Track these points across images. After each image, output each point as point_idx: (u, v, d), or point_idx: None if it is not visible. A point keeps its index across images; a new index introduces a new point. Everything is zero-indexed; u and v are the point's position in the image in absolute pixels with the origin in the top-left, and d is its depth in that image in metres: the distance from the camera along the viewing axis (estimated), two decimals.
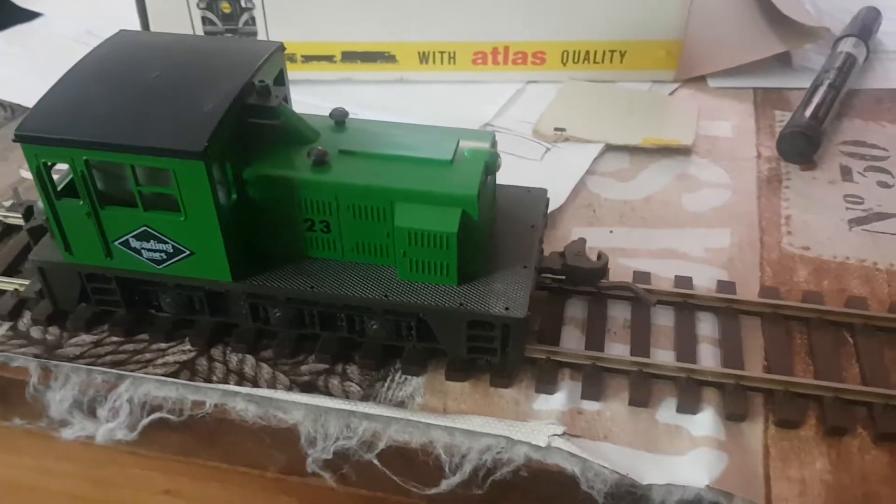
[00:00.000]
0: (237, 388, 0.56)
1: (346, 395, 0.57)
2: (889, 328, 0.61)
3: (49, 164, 0.52)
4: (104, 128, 0.51)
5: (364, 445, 0.54)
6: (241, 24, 0.88)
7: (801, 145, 0.78)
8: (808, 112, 0.80)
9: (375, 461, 0.54)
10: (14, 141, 0.52)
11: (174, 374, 0.58)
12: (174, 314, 0.60)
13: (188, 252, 0.55)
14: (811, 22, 0.94)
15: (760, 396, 0.57)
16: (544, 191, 0.63)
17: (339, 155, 0.55)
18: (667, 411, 0.56)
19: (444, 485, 0.53)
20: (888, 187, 0.77)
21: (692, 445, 0.54)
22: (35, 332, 0.61)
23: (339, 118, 0.59)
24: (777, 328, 0.61)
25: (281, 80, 0.60)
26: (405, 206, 0.53)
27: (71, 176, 0.53)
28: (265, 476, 0.60)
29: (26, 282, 0.63)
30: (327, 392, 0.57)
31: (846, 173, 0.79)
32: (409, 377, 0.58)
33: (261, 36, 0.88)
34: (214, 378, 0.58)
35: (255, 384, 0.57)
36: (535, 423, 0.54)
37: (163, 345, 0.60)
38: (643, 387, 0.57)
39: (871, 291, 0.65)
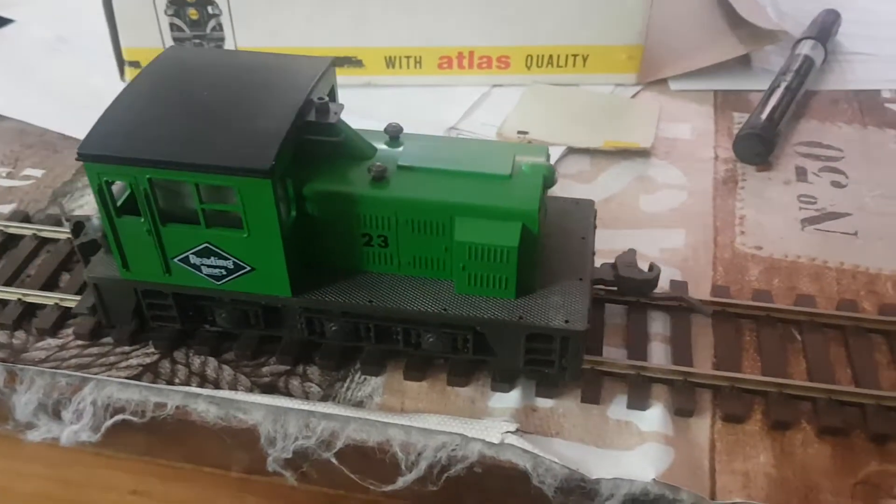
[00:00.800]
0: (198, 390, 0.58)
1: (307, 396, 0.58)
2: (836, 325, 0.63)
3: (111, 182, 0.52)
4: (168, 146, 0.52)
5: (322, 444, 0.56)
6: (208, 30, 0.89)
7: (757, 147, 0.80)
8: (764, 114, 0.82)
9: (333, 460, 0.56)
10: (77, 160, 0.52)
11: (137, 377, 0.59)
12: (229, 329, 0.60)
13: (249, 268, 0.55)
14: (769, 25, 0.95)
15: (709, 392, 0.58)
16: (591, 202, 0.63)
17: (398, 170, 0.56)
18: (618, 408, 0.58)
19: (401, 482, 0.55)
20: (841, 187, 0.79)
21: (641, 440, 0.55)
22: (1, 337, 0.62)
23: (394, 133, 0.59)
24: (727, 326, 0.63)
25: (333, 95, 0.60)
26: (465, 221, 0.54)
27: (128, 193, 0.53)
28: (229, 476, 0.61)
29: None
30: (287, 393, 0.58)
31: (801, 174, 0.81)
32: (368, 377, 0.60)
33: (228, 42, 0.90)
34: (177, 380, 0.59)
35: (217, 386, 0.59)
36: (490, 421, 0.56)
37: (126, 348, 0.61)
38: (595, 384, 0.58)
39: (820, 289, 0.67)
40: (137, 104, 0.55)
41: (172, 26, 0.89)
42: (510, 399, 0.58)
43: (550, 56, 0.91)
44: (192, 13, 0.88)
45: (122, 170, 0.52)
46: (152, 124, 0.53)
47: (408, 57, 0.91)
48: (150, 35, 0.89)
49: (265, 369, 0.60)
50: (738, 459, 0.55)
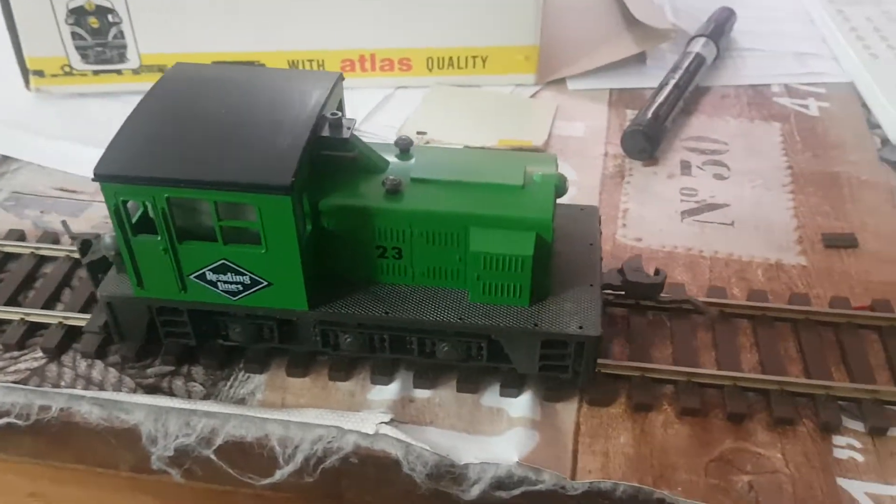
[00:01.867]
0: (82, 392, 0.59)
1: (189, 395, 0.60)
2: (703, 312, 0.66)
3: (126, 201, 0.53)
4: (186, 165, 0.52)
5: (203, 442, 0.57)
6: (110, 38, 0.90)
7: (642, 143, 0.83)
8: (650, 111, 0.86)
9: (213, 456, 0.57)
10: (93, 180, 0.52)
11: (24, 381, 0.60)
12: (244, 343, 0.61)
13: (266, 283, 0.56)
14: (660, 24, 0.99)
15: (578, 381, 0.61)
16: (596, 208, 0.65)
17: (412, 183, 0.57)
18: (491, 396, 0.60)
19: (278, 475, 0.57)
20: (723, 179, 0.83)
21: (509, 426, 0.58)
22: None
23: (405, 146, 0.60)
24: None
25: (341, 109, 0.60)
26: (480, 231, 0.55)
27: (140, 211, 0.54)
28: (119, 475, 0.62)
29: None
30: (171, 393, 0.60)
31: (685, 167, 0.84)
32: (251, 375, 0.61)
33: (130, 49, 0.91)
34: (63, 383, 0.60)
35: (102, 388, 0.60)
36: (366, 413, 0.58)
37: (15, 352, 0.63)
38: (470, 375, 0.61)
39: (693, 277, 0.70)
40: (151, 123, 0.55)
41: (74, 35, 0.89)
42: (389, 391, 0.60)
43: (451, 58, 0.94)
44: (93, 21, 0.89)
45: (140, 189, 0.52)
46: (168, 143, 0.53)
47: (310, 60, 0.93)
48: (52, 44, 0.90)
49: (150, 370, 0.62)
50: (599, 441, 0.57)
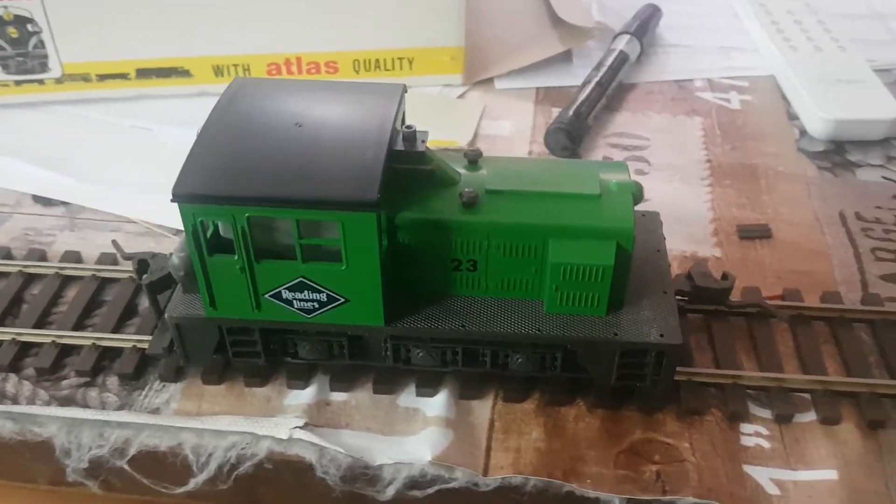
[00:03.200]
0: None
1: (104, 406, 0.60)
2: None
3: (205, 221, 0.52)
4: (267, 183, 0.51)
5: (116, 452, 0.57)
6: (30, 48, 0.89)
7: (564, 140, 0.84)
8: (572, 109, 0.87)
9: (127, 467, 0.57)
10: (172, 201, 0.51)
11: None
12: (313, 360, 0.60)
13: (343, 300, 0.55)
14: (584, 22, 1.00)
15: (496, 378, 0.62)
16: (657, 214, 0.65)
17: (487, 194, 0.56)
18: (408, 396, 0.61)
19: (192, 483, 0.57)
20: (644, 174, 0.84)
21: (424, 425, 0.58)
22: None
23: (474, 157, 0.59)
24: None
25: (403, 120, 0.60)
26: (560, 242, 0.55)
27: (210, 231, 0.53)
28: (39, 489, 0.62)
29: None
30: (85, 404, 0.60)
31: None
32: (166, 384, 0.61)
33: (51, 58, 0.90)
34: None
35: (16, 401, 0.60)
36: (281, 418, 0.58)
37: None
38: (387, 376, 0.61)
39: None
40: (222, 141, 0.54)
41: None
42: (305, 395, 0.61)
43: (377, 60, 0.94)
44: (12, 31, 0.88)
45: (221, 210, 0.51)
46: (245, 160, 0.52)
47: (236, 65, 0.93)
48: None
49: (64, 382, 0.61)
50: (513, 437, 0.58)
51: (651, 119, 0.93)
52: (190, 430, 0.58)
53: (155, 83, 0.93)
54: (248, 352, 0.59)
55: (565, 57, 1.02)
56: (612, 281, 0.55)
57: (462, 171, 0.59)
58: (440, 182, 0.57)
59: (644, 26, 1.03)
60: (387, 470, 0.56)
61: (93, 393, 0.61)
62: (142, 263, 0.60)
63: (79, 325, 0.65)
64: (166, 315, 0.57)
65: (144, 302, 0.66)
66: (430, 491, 0.56)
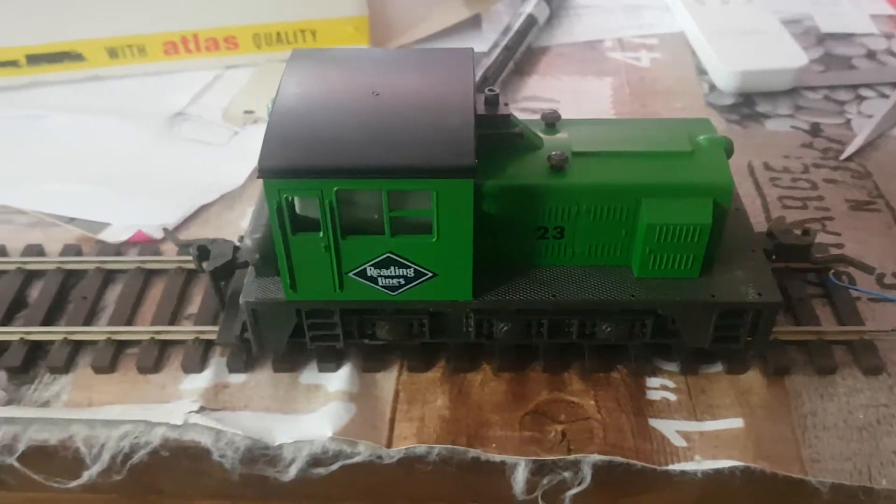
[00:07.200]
0: None
1: None
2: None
3: (290, 198, 0.49)
4: (356, 155, 0.48)
5: (4, 449, 0.55)
6: None
7: None
8: (478, 75, 0.85)
9: (16, 463, 0.55)
10: (259, 178, 0.48)
11: None
12: (391, 341, 0.57)
13: (430, 274, 0.52)
14: None
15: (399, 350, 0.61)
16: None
17: (574, 157, 0.54)
18: (310, 373, 0.59)
19: (86, 476, 0.55)
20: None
21: (326, 401, 0.57)
22: None
23: (552, 120, 0.57)
24: None
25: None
26: (654, 202, 0.52)
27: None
28: None
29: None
30: None
31: None
32: (56, 376, 0.59)
33: None
34: None
35: None
36: (174, 404, 0.56)
37: None
38: (286, 354, 0.59)
39: None
40: (301, 113, 0.50)
41: None
42: (201, 379, 0.59)
43: (278, 33, 0.92)
44: None
45: (308, 184, 0.48)
46: (329, 133, 0.49)
47: (130, 46, 0.90)
48: None
49: None
50: (417, 406, 0.57)
51: (561, 81, 0.92)
52: (80, 421, 0.55)
53: (47, 69, 0.89)
54: (326, 335, 0.57)
55: (474, 22, 1.00)
56: (709, 240, 0.53)
57: (541, 134, 0.56)
58: (525, 147, 0.55)
59: None
60: (287, 449, 0.54)
61: None
62: (202, 250, 0.57)
63: None
64: (241, 300, 0.54)
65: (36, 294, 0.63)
66: (334, 467, 0.54)
